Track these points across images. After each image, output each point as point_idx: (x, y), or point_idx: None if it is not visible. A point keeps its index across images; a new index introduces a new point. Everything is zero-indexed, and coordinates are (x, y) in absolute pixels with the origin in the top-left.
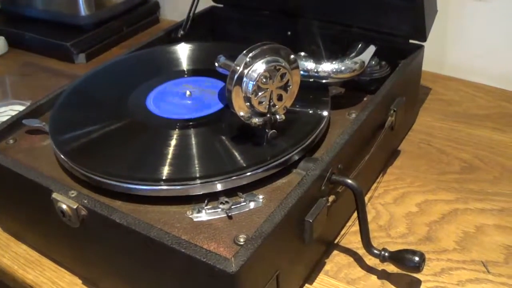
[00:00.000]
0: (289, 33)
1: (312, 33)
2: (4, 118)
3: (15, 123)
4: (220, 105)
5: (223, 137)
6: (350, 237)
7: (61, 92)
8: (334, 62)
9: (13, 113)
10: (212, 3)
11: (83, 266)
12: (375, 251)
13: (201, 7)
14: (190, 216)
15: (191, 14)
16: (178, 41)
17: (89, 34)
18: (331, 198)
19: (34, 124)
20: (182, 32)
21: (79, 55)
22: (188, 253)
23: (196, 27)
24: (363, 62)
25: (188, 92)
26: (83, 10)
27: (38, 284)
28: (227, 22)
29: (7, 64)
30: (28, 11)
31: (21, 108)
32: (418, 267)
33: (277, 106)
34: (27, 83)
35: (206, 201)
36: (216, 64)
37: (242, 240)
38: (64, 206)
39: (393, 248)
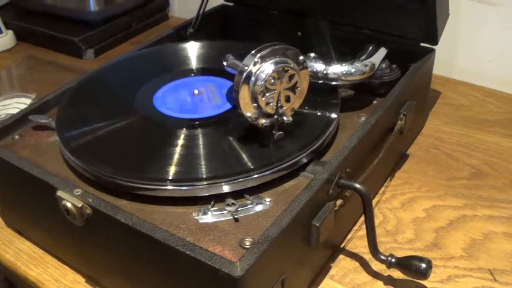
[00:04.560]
0: (299, 33)
1: (322, 34)
2: (10, 111)
3: (21, 119)
4: (228, 105)
5: (231, 138)
6: (356, 241)
7: (68, 88)
8: (344, 64)
9: (19, 105)
10: (223, 1)
11: (86, 264)
12: (382, 257)
13: (211, 5)
14: (196, 218)
15: (201, 12)
16: (187, 39)
17: (97, 30)
18: (338, 202)
19: (41, 120)
20: (191, 30)
21: (87, 50)
22: (193, 256)
23: (205, 25)
24: (374, 64)
25: (196, 91)
26: (92, 5)
27: (41, 281)
28: (236, 21)
29: (15, 58)
30: (37, 6)
31: (26, 100)
32: (425, 274)
33: (284, 108)
34: (32, 77)
35: (212, 203)
36: (225, 63)
37: (248, 243)
38: (68, 205)
39: (399, 254)
